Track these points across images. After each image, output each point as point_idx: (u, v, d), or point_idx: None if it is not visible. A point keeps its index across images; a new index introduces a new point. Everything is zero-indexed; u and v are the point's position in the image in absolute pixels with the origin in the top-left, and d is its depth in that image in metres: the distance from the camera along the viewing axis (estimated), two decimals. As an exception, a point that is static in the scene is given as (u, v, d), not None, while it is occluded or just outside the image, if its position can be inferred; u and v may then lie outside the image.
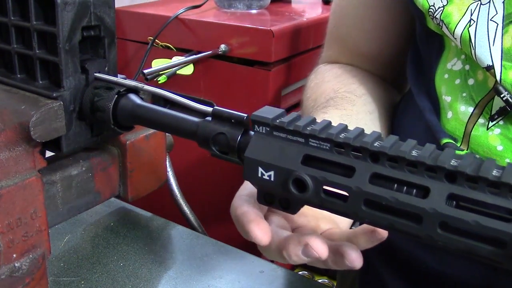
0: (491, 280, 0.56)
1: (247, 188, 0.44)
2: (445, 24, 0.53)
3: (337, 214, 0.33)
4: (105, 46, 0.43)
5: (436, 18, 0.54)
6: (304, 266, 1.65)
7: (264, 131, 0.35)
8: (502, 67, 0.49)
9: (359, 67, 0.73)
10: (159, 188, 0.57)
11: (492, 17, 0.51)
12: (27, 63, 0.43)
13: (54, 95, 0.40)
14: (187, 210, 0.67)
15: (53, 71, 0.42)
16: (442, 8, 0.53)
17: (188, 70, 1.26)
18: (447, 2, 0.53)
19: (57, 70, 0.40)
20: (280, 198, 0.35)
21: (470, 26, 0.51)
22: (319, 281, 1.57)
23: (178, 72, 1.24)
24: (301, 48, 1.32)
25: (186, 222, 0.67)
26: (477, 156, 0.49)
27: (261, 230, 0.36)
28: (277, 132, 0.34)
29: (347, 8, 0.73)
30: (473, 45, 0.51)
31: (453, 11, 0.53)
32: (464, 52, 0.54)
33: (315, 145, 0.33)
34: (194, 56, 1.24)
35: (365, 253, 0.76)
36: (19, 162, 0.38)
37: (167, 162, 0.61)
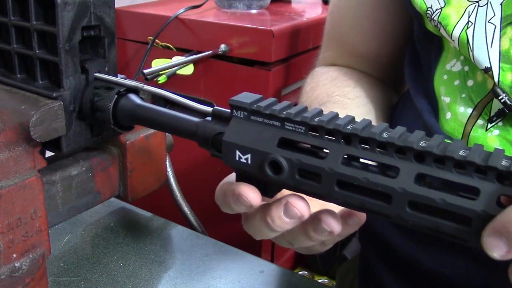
0: (489, 281, 0.56)
1: (231, 176, 0.45)
2: (442, 26, 0.53)
3: (311, 196, 0.34)
4: (105, 46, 0.44)
5: (433, 20, 0.54)
6: (304, 266, 1.65)
7: (242, 116, 0.35)
8: (500, 69, 0.49)
9: (356, 69, 0.73)
10: (159, 188, 0.57)
11: (490, 19, 0.51)
12: (27, 63, 0.43)
13: (54, 95, 0.40)
14: (187, 210, 0.67)
15: (53, 71, 0.42)
16: (439, 10, 0.53)
17: (188, 70, 1.26)
18: (445, 4, 0.53)
19: (57, 70, 0.40)
20: (258, 182, 0.36)
21: (468, 28, 0.51)
22: (319, 281, 1.57)
23: (178, 72, 1.24)
24: (301, 48, 1.32)
25: (186, 222, 0.67)
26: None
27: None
28: (255, 116, 0.35)
29: (344, 8, 0.73)
30: (471, 47, 0.51)
31: (451, 13, 0.53)
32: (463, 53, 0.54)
33: (291, 128, 0.34)
34: (194, 56, 1.24)
35: (365, 254, 0.76)
36: (19, 162, 0.38)
37: (167, 162, 0.61)
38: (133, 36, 1.37)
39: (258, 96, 0.36)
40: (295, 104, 0.36)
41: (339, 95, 0.65)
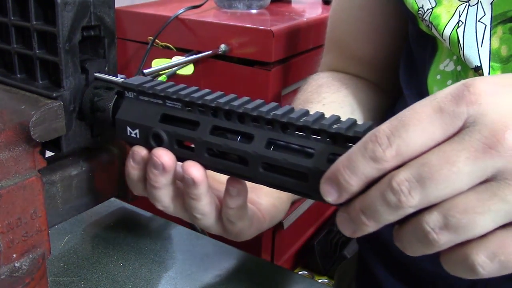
0: (485, 282, 0.56)
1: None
2: (434, 26, 0.53)
3: None
4: (105, 46, 0.44)
5: (425, 19, 0.54)
6: (304, 266, 1.65)
7: (132, 96, 0.40)
8: (490, 68, 0.50)
9: (353, 73, 0.73)
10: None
11: (480, 19, 0.51)
12: (27, 63, 0.43)
13: (54, 95, 0.40)
14: (187, 210, 0.67)
15: (53, 71, 0.42)
16: (431, 10, 0.53)
17: (188, 70, 1.26)
18: (436, 3, 0.53)
19: (57, 70, 0.40)
20: None
21: (458, 27, 0.51)
22: (319, 281, 1.57)
23: (178, 72, 1.24)
24: (301, 48, 1.32)
25: (186, 222, 0.67)
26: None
27: (167, 153, 0.39)
28: (142, 96, 0.39)
29: (341, 12, 0.73)
30: (462, 46, 0.51)
31: (442, 13, 0.53)
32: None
33: (171, 105, 0.38)
34: (194, 56, 1.24)
35: (362, 255, 0.77)
36: (19, 162, 0.38)
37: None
38: (133, 36, 1.36)
39: (147, 78, 0.41)
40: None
41: (314, 100, 0.65)
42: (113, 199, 0.62)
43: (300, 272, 1.60)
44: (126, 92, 0.40)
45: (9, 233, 0.39)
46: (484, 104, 0.27)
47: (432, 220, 0.28)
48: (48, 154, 0.43)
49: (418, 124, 0.28)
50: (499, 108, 0.27)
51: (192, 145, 0.38)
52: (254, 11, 1.41)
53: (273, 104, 0.36)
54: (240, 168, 0.36)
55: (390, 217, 0.29)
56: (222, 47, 1.23)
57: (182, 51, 1.29)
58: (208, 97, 0.37)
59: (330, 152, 0.32)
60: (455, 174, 0.27)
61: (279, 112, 0.34)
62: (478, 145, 0.27)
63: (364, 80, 0.73)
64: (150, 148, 0.39)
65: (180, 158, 0.39)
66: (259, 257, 0.61)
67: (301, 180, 0.34)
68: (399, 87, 0.66)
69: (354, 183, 0.30)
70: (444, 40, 0.52)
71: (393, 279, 0.68)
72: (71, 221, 0.63)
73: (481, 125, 0.27)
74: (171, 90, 0.38)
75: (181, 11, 1.28)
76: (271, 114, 0.34)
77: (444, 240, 0.28)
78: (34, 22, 0.40)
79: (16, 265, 0.40)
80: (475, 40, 0.51)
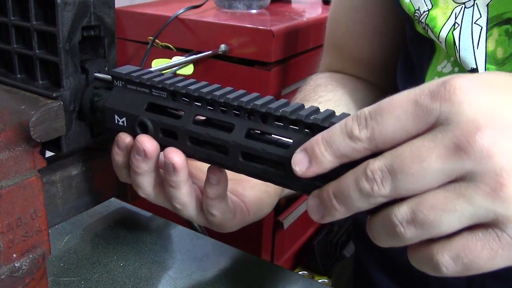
0: (479, 284, 0.57)
1: None
2: (430, 28, 0.53)
3: None
4: (105, 46, 0.44)
5: (421, 22, 0.54)
6: (304, 266, 1.65)
7: (120, 85, 0.41)
8: (486, 70, 0.50)
9: (351, 75, 0.73)
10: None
11: (476, 21, 0.51)
12: (27, 63, 0.43)
13: (54, 95, 0.40)
14: (187, 210, 0.67)
15: (53, 71, 0.42)
16: (427, 12, 0.53)
17: (188, 70, 1.26)
18: (432, 5, 0.53)
19: (57, 70, 0.40)
20: None
21: (454, 29, 0.51)
22: (319, 281, 1.57)
23: (178, 72, 1.24)
24: (301, 48, 1.32)
25: (186, 222, 0.67)
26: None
27: (149, 139, 0.40)
28: (130, 85, 0.40)
29: (339, 14, 0.73)
30: (458, 48, 0.51)
31: (438, 15, 0.53)
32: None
33: (157, 94, 0.39)
34: (194, 56, 1.24)
35: (359, 255, 0.78)
36: (19, 162, 0.38)
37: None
38: (133, 36, 1.36)
39: (136, 67, 0.42)
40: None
41: (311, 99, 0.66)
42: (113, 199, 0.62)
43: (300, 272, 1.60)
44: (115, 81, 0.41)
45: (9, 233, 0.39)
46: (457, 102, 0.27)
47: (400, 213, 0.28)
48: (48, 154, 0.43)
49: (393, 112, 0.28)
50: (473, 107, 0.27)
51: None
52: (254, 11, 1.41)
53: (255, 94, 0.36)
54: (221, 157, 0.36)
55: (361, 204, 0.29)
56: (222, 47, 1.23)
57: (182, 51, 1.29)
58: (192, 87, 0.37)
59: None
60: (425, 170, 0.27)
61: (259, 102, 0.35)
62: (449, 144, 0.27)
63: (362, 81, 0.73)
64: (136, 136, 0.40)
65: (165, 146, 0.39)
66: (259, 257, 0.61)
67: (278, 169, 0.34)
68: (397, 88, 0.66)
69: (327, 156, 0.30)
70: (441, 42, 0.52)
71: (388, 280, 0.68)
72: (71, 221, 0.63)
73: (454, 124, 0.27)
74: (157, 79, 0.39)
75: (181, 11, 1.28)
76: (251, 104, 0.35)
77: (410, 234, 0.28)
78: (34, 22, 0.40)
79: (16, 265, 0.40)
80: (471, 42, 0.51)
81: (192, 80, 0.39)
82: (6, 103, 0.40)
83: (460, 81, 0.28)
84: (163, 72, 0.43)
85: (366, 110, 0.29)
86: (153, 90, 0.39)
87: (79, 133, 0.43)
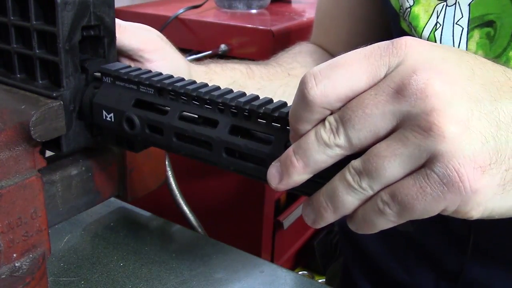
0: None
1: None
2: (413, 27, 0.53)
3: (157, 147, 0.41)
4: (105, 46, 0.44)
5: (405, 19, 0.54)
6: (304, 266, 1.65)
7: (109, 81, 0.41)
8: None
9: (330, 53, 0.77)
10: (158, 188, 0.57)
11: (458, 21, 0.50)
12: (27, 63, 0.43)
13: (54, 94, 0.40)
14: (187, 210, 0.67)
15: (53, 71, 0.42)
16: (409, 10, 0.53)
17: (188, 70, 1.26)
18: (414, 2, 0.53)
19: (57, 70, 0.40)
20: (123, 140, 0.43)
21: (436, 30, 0.51)
22: (319, 281, 1.57)
23: (178, 72, 1.24)
24: (301, 48, 1.31)
25: (186, 222, 0.67)
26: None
27: None
28: (119, 81, 0.41)
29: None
30: None
31: (420, 13, 0.53)
32: None
33: (144, 90, 0.40)
34: (194, 56, 1.24)
35: (345, 261, 0.81)
36: (19, 162, 0.38)
37: (167, 162, 0.61)
38: (133, 36, 1.36)
39: (125, 64, 0.42)
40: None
41: (284, 63, 0.71)
42: (113, 199, 0.62)
43: (300, 272, 1.60)
44: (104, 77, 0.41)
45: (9, 233, 0.39)
46: (403, 55, 0.28)
47: (353, 166, 0.29)
48: (48, 154, 0.43)
49: (347, 67, 0.29)
50: (414, 57, 0.28)
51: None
52: (254, 11, 1.41)
53: (240, 92, 0.37)
54: (205, 153, 0.37)
55: (320, 156, 0.30)
56: (222, 47, 1.23)
57: (182, 51, 1.29)
58: (178, 84, 0.38)
59: (287, 139, 0.33)
60: (368, 116, 0.28)
61: (242, 99, 0.35)
62: (389, 90, 0.28)
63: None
64: (123, 132, 0.40)
65: (151, 142, 0.40)
66: (259, 257, 0.61)
67: (261, 165, 0.34)
68: None
69: (296, 126, 0.31)
70: None
71: (370, 285, 0.71)
72: (71, 221, 0.63)
73: (395, 72, 0.28)
74: (144, 76, 0.40)
75: (181, 11, 1.28)
76: (235, 101, 0.35)
77: (364, 185, 0.29)
78: (34, 22, 0.40)
79: (16, 264, 0.40)
80: (452, 43, 0.51)
81: (179, 77, 0.40)
82: (6, 103, 0.40)
83: (407, 39, 0.29)
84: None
85: (316, 68, 0.30)
86: (140, 86, 0.40)
87: (79, 133, 0.43)
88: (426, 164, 0.27)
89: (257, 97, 0.36)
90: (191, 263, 0.58)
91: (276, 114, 0.34)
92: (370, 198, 0.29)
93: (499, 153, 0.27)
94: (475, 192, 0.27)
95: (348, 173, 0.29)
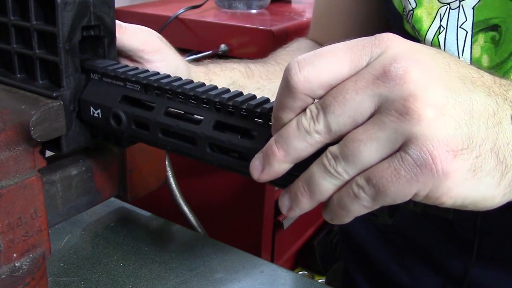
0: None
1: None
2: (416, 30, 0.53)
3: (144, 142, 0.41)
4: (105, 46, 0.44)
5: (409, 22, 0.54)
6: (304, 266, 1.65)
7: (97, 78, 0.42)
8: None
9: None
10: (158, 188, 0.57)
11: (462, 24, 0.50)
12: (27, 63, 0.43)
13: (54, 94, 0.40)
14: (187, 210, 0.67)
15: (53, 71, 0.42)
16: (412, 12, 0.53)
17: (188, 70, 1.26)
18: (416, 4, 0.53)
19: (57, 70, 0.40)
20: (111, 136, 0.43)
21: (440, 33, 0.51)
22: (319, 281, 1.57)
23: (178, 72, 1.24)
24: (301, 48, 1.31)
25: (186, 222, 0.67)
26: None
27: None
28: (106, 78, 0.41)
29: None
30: None
31: (423, 16, 0.52)
32: None
33: (130, 87, 0.40)
34: (194, 56, 1.24)
35: (345, 262, 0.81)
36: (19, 162, 0.38)
37: (167, 162, 0.61)
38: (133, 36, 1.36)
39: (113, 62, 0.43)
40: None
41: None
42: (113, 199, 0.62)
43: (300, 272, 1.60)
44: (91, 74, 0.42)
45: (9, 233, 0.39)
46: (384, 47, 0.29)
47: (331, 150, 0.29)
48: (48, 153, 0.43)
49: (330, 55, 0.30)
50: (395, 48, 0.29)
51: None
52: (254, 11, 1.41)
53: (224, 88, 0.37)
54: (190, 148, 0.37)
55: (299, 143, 0.30)
56: (222, 47, 1.23)
57: (182, 51, 1.28)
58: (164, 81, 0.38)
59: (270, 134, 0.33)
60: (347, 101, 0.29)
61: (226, 95, 0.36)
62: (369, 76, 0.29)
63: None
64: (110, 128, 0.41)
65: (138, 138, 0.40)
66: (259, 257, 0.61)
67: (244, 160, 0.35)
68: None
69: (279, 115, 0.31)
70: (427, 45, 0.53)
71: (370, 286, 0.71)
72: (71, 221, 0.63)
73: (376, 61, 0.29)
74: (131, 73, 0.40)
75: (181, 11, 1.28)
76: (219, 97, 0.36)
77: (339, 169, 0.29)
78: (34, 22, 0.40)
79: (16, 264, 0.40)
80: (456, 47, 0.50)
81: (165, 74, 0.40)
82: (6, 103, 0.40)
83: (389, 34, 0.30)
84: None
85: (300, 57, 0.30)
86: (127, 83, 0.40)
87: (79, 133, 0.43)
88: (401, 148, 0.28)
89: (240, 93, 0.36)
90: (191, 263, 0.58)
91: (259, 110, 0.34)
92: (346, 184, 0.30)
93: (471, 140, 0.28)
94: (447, 174, 0.27)
95: (325, 158, 0.30)
